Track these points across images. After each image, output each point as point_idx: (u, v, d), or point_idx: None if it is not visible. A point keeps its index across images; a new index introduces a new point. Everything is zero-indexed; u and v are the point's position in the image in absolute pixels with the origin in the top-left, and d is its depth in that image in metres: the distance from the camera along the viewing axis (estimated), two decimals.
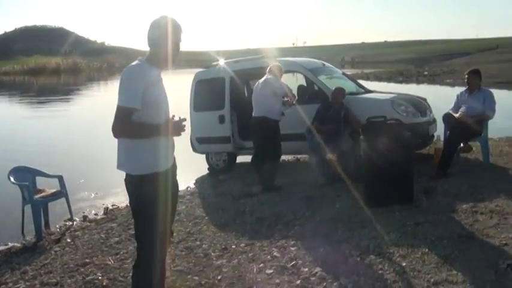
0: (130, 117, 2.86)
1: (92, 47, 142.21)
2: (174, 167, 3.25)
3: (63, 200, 6.55)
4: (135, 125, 2.91)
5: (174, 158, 3.25)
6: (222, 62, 9.35)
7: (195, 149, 9.31)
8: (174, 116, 3.12)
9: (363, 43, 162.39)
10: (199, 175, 9.08)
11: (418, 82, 34.77)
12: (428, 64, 58.38)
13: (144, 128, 2.96)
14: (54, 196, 6.41)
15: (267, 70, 7.27)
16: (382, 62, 78.29)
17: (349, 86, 8.69)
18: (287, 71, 8.51)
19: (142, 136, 2.96)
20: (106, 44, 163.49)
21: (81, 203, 7.64)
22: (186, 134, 8.59)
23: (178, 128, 3.08)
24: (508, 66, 38.30)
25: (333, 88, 7.73)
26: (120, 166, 3.04)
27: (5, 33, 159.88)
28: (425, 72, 40.95)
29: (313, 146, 7.25)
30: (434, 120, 8.10)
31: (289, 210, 5.78)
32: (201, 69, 9.53)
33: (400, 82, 34.82)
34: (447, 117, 7.05)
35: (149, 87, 2.91)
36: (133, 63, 3.03)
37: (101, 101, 29.62)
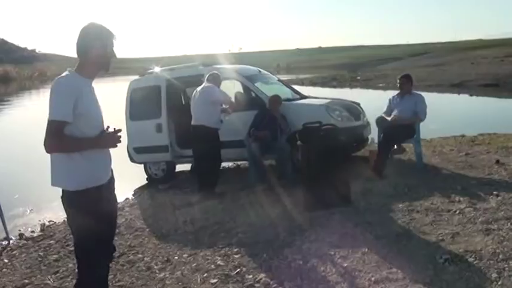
0: (62, 131, 2.77)
1: (22, 55, 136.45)
2: (111, 180, 3.15)
3: None
4: (68, 139, 2.82)
5: (112, 171, 3.17)
6: (157, 69, 9.24)
7: (132, 159, 9.12)
8: (108, 127, 3.03)
9: (297, 49, 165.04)
10: (138, 185, 8.91)
11: (352, 87, 35.72)
12: (361, 69, 60.00)
13: (76, 142, 2.86)
14: None
15: (205, 78, 7.28)
16: (316, 68, 79.79)
17: (285, 92, 8.84)
18: (224, 79, 8.52)
19: (76, 150, 2.86)
20: (37, 51, 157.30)
21: (17, 220, 7.27)
22: (123, 144, 8.47)
23: (113, 139, 2.98)
24: (436, 70, 40.15)
25: (269, 95, 7.84)
26: (54, 182, 2.92)
27: None
28: (358, 77, 42.10)
29: (251, 152, 7.29)
30: (368, 124, 8.38)
31: (231, 218, 5.78)
32: (135, 77, 9.36)
33: (334, 87, 35.65)
34: (380, 121, 7.30)
35: (79, 99, 2.81)
36: (63, 74, 2.92)
37: (33, 111, 28.42)
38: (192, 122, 7.02)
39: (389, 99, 7.60)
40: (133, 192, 8.30)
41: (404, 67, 51.29)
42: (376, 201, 5.71)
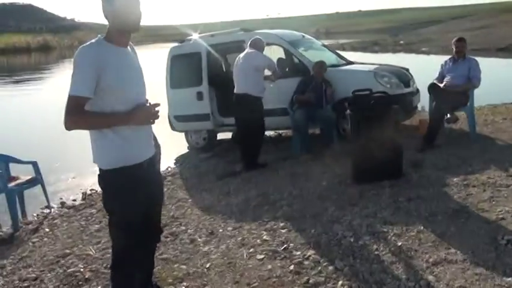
0: (82, 108, 2.53)
1: (62, 24, 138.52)
2: (154, 158, 2.94)
3: (38, 187, 6.23)
4: (90, 116, 2.58)
5: (159, 147, 2.99)
6: (196, 36, 9.00)
7: (173, 128, 9.02)
8: (147, 101, 2.79)
9: (337, 13, 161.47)
10: (179, 154, 8.83)
11: (394, 51, 34.61)
12: (403, 33, 58.18)
13: (101, 119, 2.61)
14: (30, 183, 6.07)
15: (248, 44, 6.98)
16: (357, 32, 77.93)
17: (330, 58, 8.48)
18: (266, 44, 8.23)
19: (101, 127, 2.63)
20: (76, 20, 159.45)
21: (58, 189, 7.32)
22: (164, 113, 8.36)
23: (147, 115, 2.71)
24: (480, 33, 38.39)
25: (314, 61, 7.53)
26: (93, 159, 2.75)
27: None
28: (401, 42, 40.84)
29: (295, 120, 7.04)
30: (417, 91, 7.98)
31: (275, 189, 5.59)
32: (175, 44, 9.16)
33: (376, 52, 34.65)
34: (433, 88, 6.89)
35: (104, 71, 2.53)
36: (88, 42, 2.65)
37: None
38: (235, 90, 6.75)
39: (442, 64, 7.15)
40: (174, 161, 8.21)
41: (447, 30, 49.42)
42: (428, 173, 5.40)
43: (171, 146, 8.96)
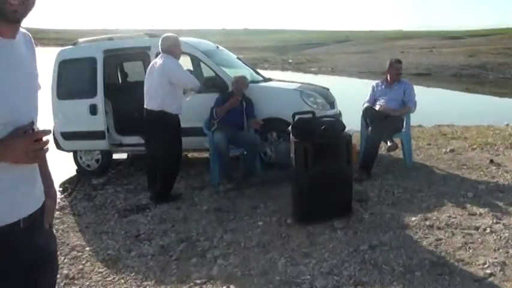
0: None
1: None
2: (43, 213, 1.80)
3: None
4: None
5: (54, 195, 1.85)
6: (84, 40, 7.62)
7: (59, 146, 7.46)
8: (32, 123, 1.68)
9: (223, 29, 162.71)
10: (66, 179, 7.32)
11: (283, 69, 34.87)
12: (288, 52, 59.53)
13: None
14: None
15: (160, 47, 5.69)
16: (245, 48, 78.58)
17: (245, 73, 7.53)
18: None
19: None
20: None
21: None
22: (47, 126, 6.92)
23: (30, 148, 1.60)
24: (367, 57, 40.28)
25: (234, 76, 6.58)
26: None
27: None
28: (290, 60, 41.39)
29: (215, 143, 5.96)
30: (340, 113, 7.30)
31: (200, 232, 4.46)
32: (66, 47, 7.66)
33: (266, 69, 34.60)
34: (368, 111, 6.23)
35: None
36: None
37: None
38: (147, 106, 5.55)
39: (373, 87, 6.54)
40: (61, 189, 6.68)
41: (333, 52, 51.50)
42: (379, 210, 4.65)
43: (56, 168, 7.44)
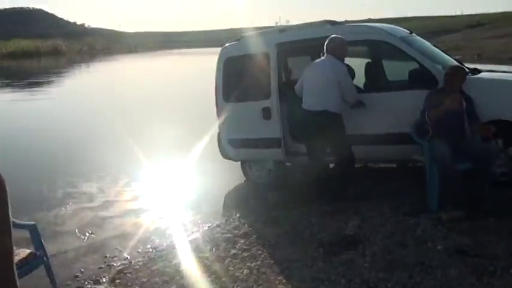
0: None
1: (72, 29, 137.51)
2: None
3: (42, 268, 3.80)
4: None
5: None
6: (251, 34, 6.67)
7: (226, 155, 6.65)
8: None
9: (345, 20, 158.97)
10: (235, 192, 6.47)
11: None
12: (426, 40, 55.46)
13: None
14: (26, 265, 3.59)
15: (325, 46, 5.19)
16: None
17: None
18: (363, 42, 5.89)
19: None
20: (86, 25, 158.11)
21: (66, 261, 4.85)
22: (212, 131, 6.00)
23: None
24: (509, 40, 36.00)
25: (447, 66, 5.17)
26: None
27: None
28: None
29: (438, 155, 4.59)
30: None
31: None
32: (230, 43, 6.76)
33: None
34: None
35: None
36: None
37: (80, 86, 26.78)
38: (308, 106, 5.27)
39: None
40: (235, 205, 5.74)
41: (471, 38, 46.99)
42: None
43: (223, 178, 6.72)
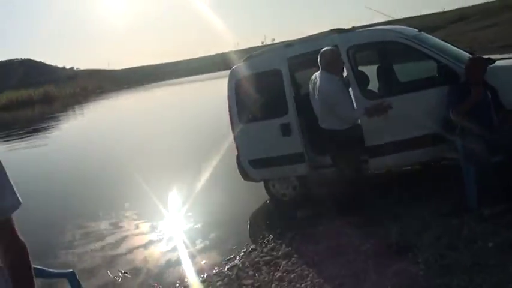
0: None
1: (62, 74, 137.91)
2: None
3: None
4: None
5: None
6: (258, 52, 6.63)
7: (247, 177, 6.53)
8: None
9: None
10: (262, 213, 6.36)
11: None
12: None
13: None
14: None
15: (318, 62, 5.02)
16: None
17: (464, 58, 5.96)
18: (375, 44, 5.83)
19: None
20: (75, 68, 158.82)
21: None
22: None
23: None
24: (496, 30, 36.06)
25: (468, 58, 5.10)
26: None
27: None
28: None
29: (469, 150, 4.48)
30: None
31: None
32: (238, 64, 6.68)
33: None
34: None
35: None
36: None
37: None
38: (320, 123, 5.14)
39: None
40: (263, 229, 5.61)
41: (458, 32, 47.19)
42: None
43: (245, 200, 6.63)
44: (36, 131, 26.80)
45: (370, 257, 3.99)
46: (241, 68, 6.50)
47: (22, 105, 68.17)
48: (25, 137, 23.92)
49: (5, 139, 24.72)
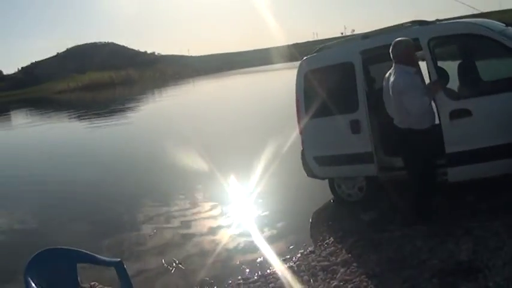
0: None
1: (144, 58, 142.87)
2: None
3: None
4: None
5: None
6: (331, 44, 6.29)
7: (312, 173, 6.24)
8: None
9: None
10: (324, 212, 6.07)
11: None
12: None
13: None
14: None
15: (390, 54, 4.65)
16: None
17: None
18: (457, 37, 5.31)
19: None
20: (156, 53, 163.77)
21: None
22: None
23: None
24: None
25: None
26: None
27: (58, 54, 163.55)
28: None
29: None
30: None
31: None
32: (310, 55, 6.37)
33: None
34: None
35: None
36: None
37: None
38: (395, 122, 4.76)
39: None
40: (325, 226, 5.32)
41: None
42: None
43: (309, 197, 6.48)
44: (121, 110, 28.00)
45: (436, 274, 3.60)
46: (312, 59, 6.20)
47: (104, 87, 71.30)
48: (108, 116, 25.05)
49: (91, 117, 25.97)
